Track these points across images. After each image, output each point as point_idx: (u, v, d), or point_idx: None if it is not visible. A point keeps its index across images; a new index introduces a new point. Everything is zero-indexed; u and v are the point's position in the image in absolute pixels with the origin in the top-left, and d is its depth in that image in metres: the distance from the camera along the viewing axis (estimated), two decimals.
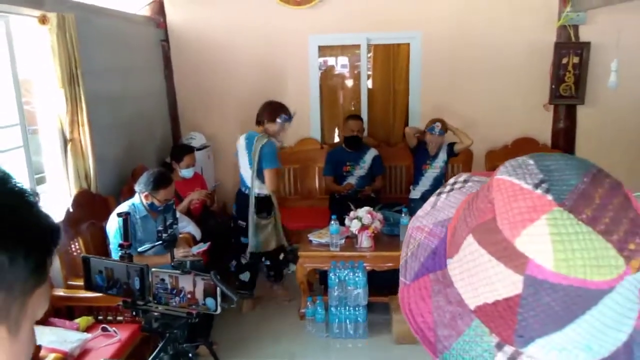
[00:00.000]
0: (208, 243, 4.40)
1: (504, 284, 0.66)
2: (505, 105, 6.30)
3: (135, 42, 5.93)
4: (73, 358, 3.47)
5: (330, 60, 6.93)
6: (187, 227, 4.77)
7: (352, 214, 4.94)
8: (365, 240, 4.86)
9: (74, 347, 3.48)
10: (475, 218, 0.72)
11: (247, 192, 5.13)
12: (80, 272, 4.05)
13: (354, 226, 4.84)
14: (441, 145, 5.84)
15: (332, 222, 4.88)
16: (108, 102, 5.10)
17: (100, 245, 4.38)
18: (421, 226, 0.85)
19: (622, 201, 0.66)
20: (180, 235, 4.49)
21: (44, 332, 3.51)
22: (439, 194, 0.88)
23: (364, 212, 4.90)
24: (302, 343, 4.82)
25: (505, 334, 0.68)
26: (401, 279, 0.84)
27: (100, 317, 4.00)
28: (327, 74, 6.91)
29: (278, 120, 5.03)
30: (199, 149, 5.94)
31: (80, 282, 3.79)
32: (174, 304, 3.05)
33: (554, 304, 0.63)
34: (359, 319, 4.79)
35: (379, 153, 6.18)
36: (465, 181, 0.87)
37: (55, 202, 4.35)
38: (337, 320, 4.81)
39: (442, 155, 5.86)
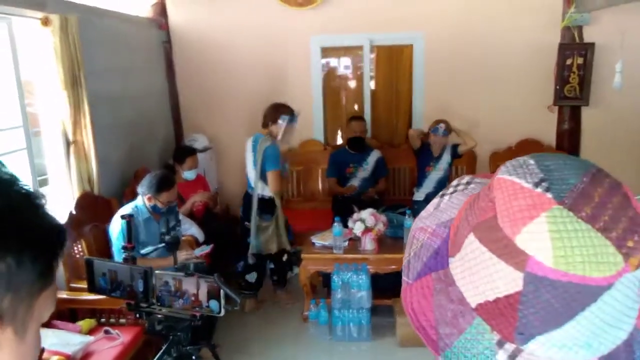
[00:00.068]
0: (211, 245, 4.39)
1: (505, 281, 0.67)
2: (509, 107, 6.27)
3: (138, 44, 5.93)
4: None
5: (333, 62, 6.93)
6: (190, 229, 4.77)
7: (355, 216, 4.92)
8: (368, 243, 4.85)
9: (77, 349, 3.47)
10: (476, 217, 0.73)
11: (252, 193, 5.14)
12: (82, 274, 4.06)
13: (358, 228, 4.83)
14: (445, 147, 5.82)
15: (335, 224, 4.86)
16: (110, 104, 5.09)
17: (103, 247, 4.36)
18: (424, 227, 0.86)
19: (622, 200, 0.67)
20: (183, 238, 4.49)
21: (47, 335, 3.50)
22: (442, 195, 0.89)
23: (367, 214, 4.88)
24: (305, 346, 4.81)
25: (506, 331, 0.69)
26: (404, 278, 0.85)
27: (102, 320, 3.99)
28: (329, 75, 6.91)
29: (280, 120, 5.02)
30: (201, 151, 5.92)
31: (83, 285, 3.81)
32: (178, 306, 3.04)
33: (554, 300, 0.64)
34: (362, 321, 4.76)
35: (383, 155, 6.16)
36: (468, 183, 0.88)
37: (58, 204, 4.33)
38: (340, 323, 4.78)
39: (446, 157, 5.83)
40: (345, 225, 4.93)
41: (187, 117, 6.73)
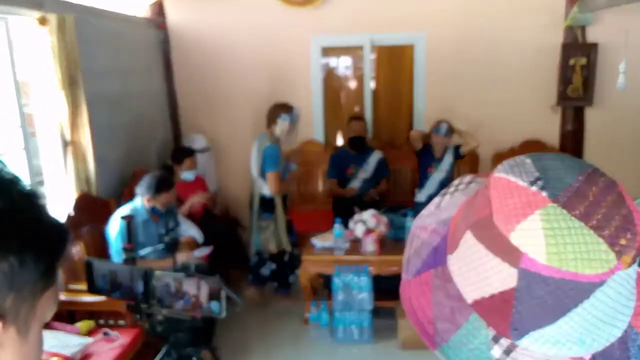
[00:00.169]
0: (210, 247, 4.38)
1: (500, 277, 0.68)
2: (512, 107, 6.24)
3: (136, 44, 5.91)
4: None
5: (334, 62, 6.91)
6: (189, 230, 4.76)
7: (356, 217, 4.91)
8: (369, 244, 4.81)
9: (75, 351, 3.46)
10: (473, 215, 0.74)
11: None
12: (81, 276, 4.05)
13: (359, 230, 4.81)
14: (447, 148, 5.79)
15: (336, 225, 4.85)
16: (108, 104, 5.07)
17: (101, 248, 4.33)
18: (425, 225, 0.87)
19: (616, 199, 0.68)
20: (182, 239, 4.47)
21: (45, 336, 3.40)
22: (444, 194, 0.91)
23: (368, 215, 4.87)
24: (306, 348, 4.78)
25: (501, 326, 0.71)
26: (403, 275, 0.86)
27: (101, 322, 3.97)
28: (330, 75, 6.89)
29: (279, 119, 5.07)
30: (200, 152, 5.89)
31: (81, 286, 3.79)
32: (178, 307, 3.03)
33: (547, 297, 0.66)
34: (363, 323, 4.74)
35: (384, 155, 6.13)
36: (470, 182, 0.90)
37: (55, 205, 4.31)
38: (341, 325, 4.76)
39: (448, 158, 5.79)
40: (346, 227, 4.91)
41: (185, 118, 6.71)
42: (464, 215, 0.77)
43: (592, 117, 6.21)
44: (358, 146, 5.99)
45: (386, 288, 4.75)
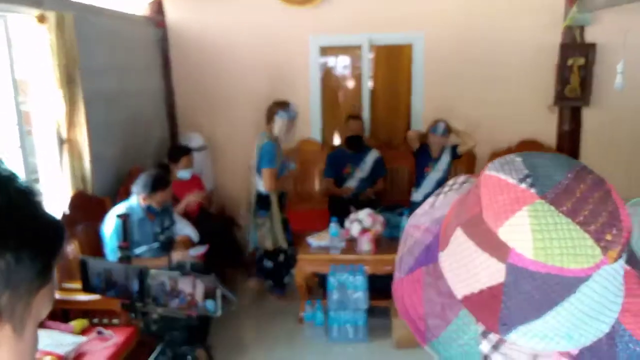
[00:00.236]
0: (206, 246, 4.38)
1: (488, 272, 0.70)
2: (509, 107, 6.25)
3: (134, 42, 5.91)
4: None
5: (332, 61, 6.91)
6: (185, 229, 4.76)
7: (352, 216, 4.91)
8: (365, 244, 4.82)
9: (69, 350, 3.45)
10: (464, 212, 0.76)
11: None
12: (75, 274, 4.04)
13: (355, 229, 4.81)
14: (444, 148, 5.79)
15: (332, 224, 4.86)
16: (106, 102, 5.07)
17: (96, 247, 4.32)
18: (418, 224, 0.89)
19: (603, 195, 0.70)
20: (178, 238, 4.47)
21: (39, 335, 3.46)
22: (438, 194, 0.93)
23: (364, 214, 4.87)
24: (301, 347, 4.79)
25: (490, 322, 0.72)
26: (396, 273, 0.88)
27: (95, 320, 3.96)
28: (328, 74, 6.88)
29: (276, 117, 5.09)
30: (196, 150, 5.90)
31: (76, 285, 3.78)
32: (173, 306, 3.03)
33: (534, 291, 0.67)
34: (358, 322, 4.75)
35: (381, 154, 6.14)
36: (463, 182, 0.92)
37: (51, 203, 4.31)
38: (336, 324, 4.77)
39: (445, 158, 5.80)
40: (342, 226, 4.91)
41: (182, 116, 6.71)
42: (456, 213, 0.79)
43: (589, 117, 6.21)
44: (355, 145, 6.00)
45: (381, 287, 4.74)
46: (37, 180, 4.41)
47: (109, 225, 4.08)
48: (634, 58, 5.37)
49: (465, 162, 6.16)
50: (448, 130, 5.67)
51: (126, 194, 4.57)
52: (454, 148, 5.76)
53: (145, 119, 6.06)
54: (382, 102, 6.80)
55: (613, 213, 0.68)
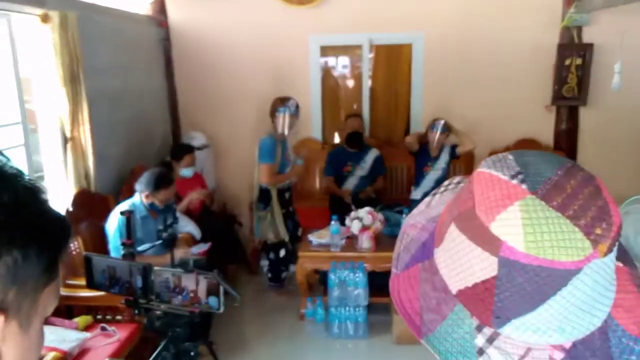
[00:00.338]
0: (208, 243, 4.40)
1: (481, 266, 0.71)
2: (508, 107, 6.27)
3: (137, 41, 5.92)
4: (72, 357, 3.45)
5: (332, 61, 6.92)
6: (187, 227, 4.78)
7: (352, 214, 4.94)
8: (365, 241, 4.85)
9: (73, 346, 3.47)
10: (458, 208, 0.77)
11: None
12: (79, 271, 4.06)
13: (355, 227, 4.84)
14: (443, 147, 5.82)
15: (333, 222, 4.88)
16: (109, 101, 5.09)
17: (99, 244, 4.34)
18: (415, 223, 0.91)
19: (593, 191, 0.71)
20: (180, 235, 4.49)
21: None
22: (434, 194, 0.95)
23: (364, 212, 4.90)
24: (302, 343, 4.82)
25: (484, 315, 0.73)
26: (393, 269, 0.89)
27: (99, 317, 3.98)
28: (328, 74, 6.90)
29: (277, 113, 5.16)
30: (199, 149, 5.92)
31: (79, 281, 3.80)
32: (177, 302, 3.04)
33: (526, 284, 0.68)
34: (359, 319, 4.78)
35: (381, 153, 6.17)
36: (459, 182, 0.94)
37: (55, 200, 4.32)
38: (337, 320, 4.81)
39: (444, 157, 5.83)
40: (343, 224, 4.94)
41: (185, 115, 6.73)
42: (450, 210, 0.81)
43: (587, 117, 6.24)
44: (356, 142, 6.02)
45: (381, 284, 4.78)
46: (41, 178, 4.44)
47: (113, 223, 4.09)
48: (631, 58, 5.41)
49: (464, 162, 6.19)
50: (447, 128, 5.70)
51: (129, 192, 4.59)
52: (453, 148, 5.79)
53: (148, 118, 6.08)
54: (382, 101, 6.80)
55: (603, 208, 0.70)
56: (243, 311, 5.19)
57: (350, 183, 6.06)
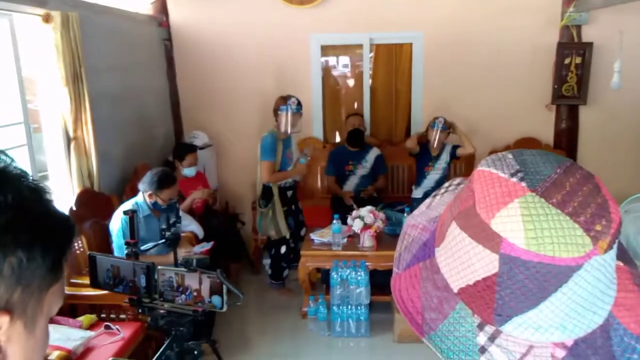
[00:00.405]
0: (211, 242, 4.41)
1: (483, 264, 0.71)
2: (507, 105, 6.29)
3: (138, 41, 5.94)
4: (76, 356, 3.47)
5: (333, 60, 6.93)
6: (190, 225, 4.80)
7: (354, 213, 4.95)
8: (367, 240, 4.88)
9: (77, 345, 3.48)
10: (458, 207, 0.78)
11: None
12: (83, 270, 4.08)
13: (357, 225, 4.85)
14: (444, 146, 5.84)
15: (335, 221, 4.90)
16: (111, 101, 5.10)
17: (102, 243, 4.36)
18: (416, 224, 0.92)
19: (592, 188, 0.72)
20: (183, 234, 4.50)
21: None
22: (434, 196, 0.97)
23: (366, 211, 4.91)
24: (304, 341, 4.84)
25: (485, 313, 0.74)
26: (394, 269, 0.91)
27: (103, 315, 3.99)
28: (329, 73, 6.91)
29: (279, 112, 5.19)
30: (201, 148, 5.93)
31: (83, 280, 3.81)
32: (180, 301, 3.05)
33: (527, 281, 0.68)
34: (361, 317, 4.80)
35: (382, 152, 6.19)
36: (459, 184, 0.95)
37: (58, 200, 4.33)
38: (339, 319, 4.82)
39: (445, 157, 5.85)
40: (344, 222, 4.96)
41: (187, 114, 6.74)
42: (451, 209, 0.81)
43: (586, 116, 6.26)
44: (356, 139, 6.04)
45: (382, 283, 4.80)
46: (45, 178, 4.45)
47: (116, 222, 4.10)
48: (630, 57, 5.43)
49: (464, 162, 6.20)
50: (447, 126, 5.71)
51: (132, 192, 4.61)
52: (455, 148, 5.80)
53: (150, 117, 6.10)
54: (383, 100, 6.81)
55: (602, 205, 0.70)
56: (246, 310, 5.23)
57: (352, 182, 6.08)
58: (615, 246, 0.70)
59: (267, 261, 5.82)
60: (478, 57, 6.23)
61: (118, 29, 5.39)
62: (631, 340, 0.74)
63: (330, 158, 6.19)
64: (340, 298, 4.77)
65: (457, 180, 0.96)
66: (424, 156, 5.89)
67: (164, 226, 3.62)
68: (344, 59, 6.97)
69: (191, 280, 3.02)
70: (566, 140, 6.30)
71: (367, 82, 6.63)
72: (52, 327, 3.56)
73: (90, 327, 3.81)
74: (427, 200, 0.97)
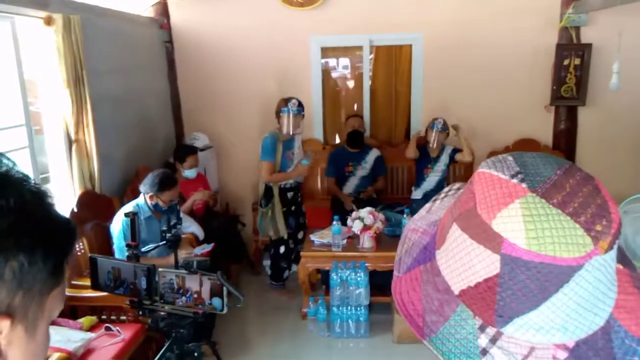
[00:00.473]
0: (212, 244, 4.42)
1: (484, 264, 0.71)
2: (506, 106, 6.30)
3: (140, 43, 5.95)
4: (77, 357, 3.48)
5: (333, 62, 6.94)
6: (191, 227, 4.81)
7: (354, 214, 4.97)
8: (367, 241, 4.90)
9: (78, 346, 3.49)
10: (459, 209, 0.78)
11: None
12: (84, 271, 4.10)
13: (356, 226, 4.87)
14: (444, 147, 5.86)
15: (334, 222, 4.91)
16: (112, 103, 5.11)
17: (104, 245, 4.39)
18: (416, 228, 0.93)
19: (592, 190, 0.72)
20: (184, 236, 4.51)
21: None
22: (434, 200, 0.98)
23: (366, 212, 4.92)
24: (304, 342, 4.86)
25: (487, 314, 0.74)
26: (395, 273, 0.91)
27: (103, 317, 4.01)
28: (329, 75, 6.92)
29: (281, 114, 5.21)
30: (202, 150, 5.96)
31: (84, 282, 3.83)
32: (181, 303, 3.07)
33: (529, 281, 0.68)
34: (360, 318, 4.82)
35: (381, 154, 6.20)
36: (458, 189, 0.96)
37: (60, 202, 4.35)
38: (338, 319, 4.84)
39: (444, 159, 5.87)
40: (344, 224, 4.98)
41: (188, 116, 6.76)
42: (451, 212, 0.81)
43: (585, 117, 6.27)
44: (356, 141, 6.06)
45: (382, 284, 4.81)
46: (47, 179, 4.47)
47: (117, 224, 4.12)
48: (629, 58, 5.44)
49: (463, 163, 6.20)
50: (446, 127, 5.74)
51: (133, 193, 4.63)
52: (454, 151, 5.82)
53: (151, 119, 6.11)
54: (382, 102, 6.81)
55: (602, 206, 0.70)
56: (246, 311, 5.24)
57: (352, 183, 6.10)
58: (615, 247, 0.71)
59: (267, 262, 5.85)
60: (477, 58, 6.23)
61: (119, 31, 5.40)
62: (632, 343, 0.74)
63: (330, 159, 6.21)
64: (340, 299, 4.79)
65: (457, 185, 0.97)
66: (423, 158, 5.91)
67: (164, 228, 3.63)
68: (344, 61, 6.98)
69: (192, 283, 3.03)
70: (565, 141, 6.32)
71: (367, 83, 6.64)
72: (52, 329, 3.57)
73: (91, 328, 3.83)
74: (427, 205, 0.98)
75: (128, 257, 3.32)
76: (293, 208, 5.54)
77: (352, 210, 5.20)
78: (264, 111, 6.17)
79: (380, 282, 4.84)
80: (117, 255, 4.10)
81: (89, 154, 4.49)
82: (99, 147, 4.54)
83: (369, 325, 4.87)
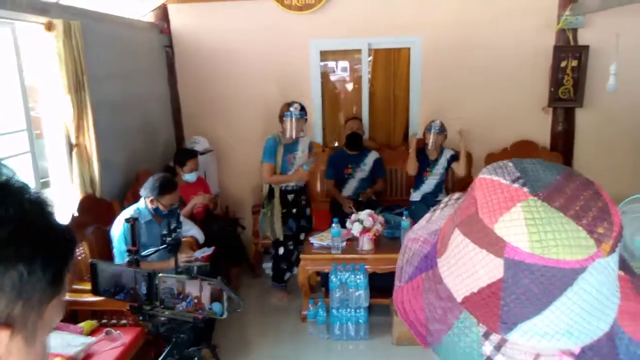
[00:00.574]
0: (212, 248, 4.44)
1: (487, 270, 0.71)
2: (504, 109, 6.32)
3: (140, 48, 5.97)
4: None
5: (332, 65, 6.96)
6: (191, 230, 4.82)
7: (353, 216, 4.98)
8: (366, 243, 4.91)
9: (78, 350, 3.50)
10: (460, 215, 0.78)
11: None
12: (84, 276, 4.11)
13: (356, 229, 4.88)
14: (442, 150, 5.88)
15: (334, 224, 4.93)
16: (113, 108, 5.13)
17: (104, 249, 4.39)
18: (416, 237, 0.92)
19: (592, 193, 0.72)
20: (184, 239, 4.52)
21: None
22: (434, 210, 0.97)
23: (365, 214, 4.94)
24: (304, 345, 4.87)
25: (491, 321, 0.73)
26: (396, 282, 0.90)
27: (104, 321, 4.01)
28: (328, 78, 6.94)
29: (283, 118, 5.24)
30: (202, 154, 5.98)
31: (85, 286, 3.84)
32: (181, 308, 3.08)
33: (533, 285, 0.68)
34: (360, 320, 4.83)
35: (380, 156, 6.22)
36: (458, 198, 0.96)
37: (60, 206, 4.37)
38: (338, 322, 4.86)
39: (443, 162, 5.89)
40: (344, 226, 5.00)
41: (188, 120, 6.78)
42: (453, 219, 0.81)
43: (583, 118, 6.28)
44: (355, 143, 6.08)
45: (381, 286, 4.81)
46: (47, 184, 4.49)
47: (117, 228, 4.13)
48: (626, 60, 5.45)
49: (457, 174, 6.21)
50: (444, 128, 5.76)
51: (134, 197, 4.64)
52: (453, 157, 5.86)
53: (152, 123, 6.13)
54: (381, 104, 6.82)
55: (603, 208, 0.70)
56: (246, 314, 5.23)
57: (351, 185, 6.12)
58: (617, 250, 0.70)
59: (267, 264, 5.87)
60: (474, 61, 6.25)
61: (119, 36, 5.43)
62: (637, 349, 0.74)
63: (329, 162, 6.23)
64: (340, 301, 4.81)
65: (457, 195, 0.97)
66: (422, 162, 5.91)
67: (165, 231, 3.64)
68: (343, 64, 7.00)
69: (192, 288, 3.05)
70: (562, 143, 6.33)
71: (366, 86, 6.65)
72: (52, 334, 3.58)
73: (91, 332, 3.82)
74: (427, 215, 0.97)
75: (128, 262, 3.33)
76: (294, 210, 5.54)
77: (351, 213, 5.22)
78: (263, 114, 6.21)
79: (379, 284, 4.85)
80: (117, 259, 4.11)
81: (90, 158, 4.51)
82: (100, 152, 4.55)
83: (368, 328, 4.89)
